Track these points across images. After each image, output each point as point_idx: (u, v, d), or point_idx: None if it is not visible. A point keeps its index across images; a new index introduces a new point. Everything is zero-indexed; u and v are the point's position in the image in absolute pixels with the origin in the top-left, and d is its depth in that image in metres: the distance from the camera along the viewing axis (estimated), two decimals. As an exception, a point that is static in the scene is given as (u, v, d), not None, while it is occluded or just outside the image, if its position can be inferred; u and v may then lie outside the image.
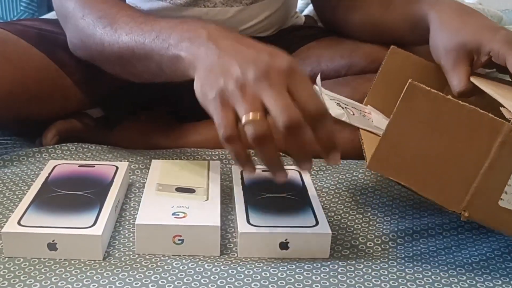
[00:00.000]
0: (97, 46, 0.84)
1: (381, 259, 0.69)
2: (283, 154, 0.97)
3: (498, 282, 0.66)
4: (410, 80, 0.62)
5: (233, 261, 0.68)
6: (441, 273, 0.67)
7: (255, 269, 0.66)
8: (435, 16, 0.88)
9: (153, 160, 0.85)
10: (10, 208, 0.78)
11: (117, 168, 0.82)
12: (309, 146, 0.62)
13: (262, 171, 0.83)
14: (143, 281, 0.64)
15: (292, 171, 0.83)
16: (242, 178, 0.81)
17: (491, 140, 0.62)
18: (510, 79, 0.83)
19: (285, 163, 0.93)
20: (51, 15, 1.45)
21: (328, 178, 0.89)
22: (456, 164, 0.63)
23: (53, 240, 0.67)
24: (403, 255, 0.70)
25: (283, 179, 0.64)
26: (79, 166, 0.83)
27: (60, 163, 0.84)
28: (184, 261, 0.67)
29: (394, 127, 0.63)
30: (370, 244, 0.72)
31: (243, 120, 0.59)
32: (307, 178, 0.81)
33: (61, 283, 0.63)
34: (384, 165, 0.65)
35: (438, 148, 0.63)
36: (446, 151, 0.63)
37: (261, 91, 0.60)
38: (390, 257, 0.70)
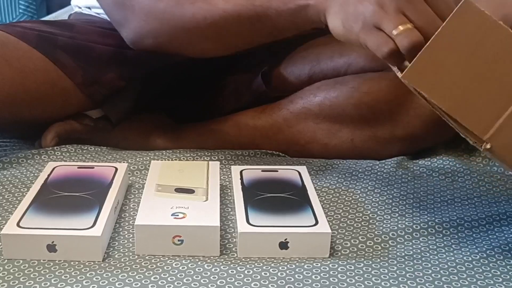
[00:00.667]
0: (187, 24, 0.82)
1: (381, 258, 0.69)
2: (282, 154, 0.98)
3: (499, 279, 0.65)
4: None
5: (233, 261, 0.68)
6: (441, 271, 0.66)
7: (255, 269, 0.66)
8: None
9: (152, 161, 0.85)
10: (9, 210, 0.78)
11: (116, 169, 0.82)
12: None
13: (262, 171, 0.83)
14: (143, 282, 0.63)
15: (291, 171, 0.83)
16: (241, 178, 0.81)
17: None
18: None
19: (285, 163, 0.93)
20: (50, 17, 1.45)
21: (327, 177, 0.89)
22: (491, 93, 0.61)
23: (53, 242, 0.67)
24: (403, 254, 0.70)
25: None
26: (78, 167, 0.83)
27: (59, 164, 0.84)
28: (183, 261, 0.67)
29: (439, 41, 0.61)
30: (370, 243, 0.72)
31: (395, 32, 0.63)
32: (307, 178, 0.81)
33: (60, 285, 0.63)
34: (419, 78, 0.63)
35: (477, 71, 0.61)
36: (484, 77, 0.61)
37: (402, 7, 0.64)
38: (390, 255, 0.70)
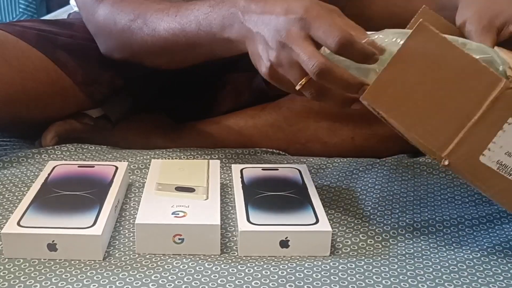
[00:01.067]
0: (140, 48, 0.89)
1: (382, 256, 0.69)
2: (283, 153, 0.98)
3: (500, 278, 0.65)
4: (420, 20, 0.63)
5: (234, 259, 0.68)
6: (442, 269, 0.66)
7: (255, 268, 0.66)
8: None
9: (152, 160, 0.85)
10: (9, 209, 0.78)
11: (116, 168, 0.82)
12: (349, 75, 0.66)
13: (262, 169, 0.83)
14: (144, 280, 0.63)
15: (292, 169, 0.83)
16: (242, 177, 0.81)
17: (486, 94, 0.62)
18: None
19: (285, 162, 0.93)
20: (50, 17, 1.45)
21: (328, 176, 0.89)
22: (447, 110, 0.63)
23: (53, 241, 0.67)
24: (404, 252, 0.70)
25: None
26: (78, 166, 0.83)
27: (59, 163, 0.84)
28: (184, 260, 0.67)
29: (397, 62, 0.63)
30: (371, 241, 0.72)
31: (298, 87, 0.68)
32: (307, 176, 0.81)
33: (61, 284, 0.63)
34: (378, 99, 0.64)
35: (434, 90, 0.63)
36: (441, 95, 0.63)
37: (291, 58, 0.67)
38: (391, 254, 0.70)
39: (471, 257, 0.69)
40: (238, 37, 0.75)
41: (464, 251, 0.70)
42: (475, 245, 0.72)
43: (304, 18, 0.67)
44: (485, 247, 0.71)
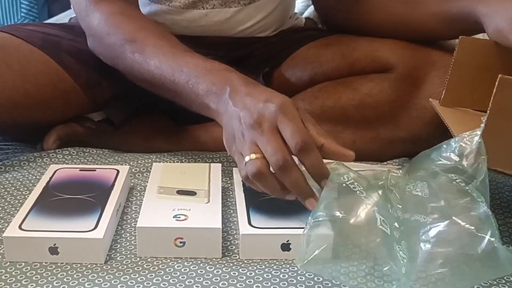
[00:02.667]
0: (126, 68, 0.89)
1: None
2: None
3: (502, 280, 0.65)
4: (500, 75, 0.65)
5: (235, 263, 0.68)
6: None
7: (257, 271, 0.66)
8: (486, 5, 0.86)
9: (154, 163, 0.85)
10: (11, 212, 0.78)
11: (118, 171, 0.82)
12: (301, 182, 0.68)
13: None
14: (145, 284, 0.63)
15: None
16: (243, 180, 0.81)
17: None
18: None
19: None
20: (52, 21, 1.45)
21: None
22: None
23: (55, 244, 0.67)
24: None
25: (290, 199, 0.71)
26: (80, 170, 0.83)
27: (61, 167, 0.84)
28: (185, 263, 0.67)
29: (492, 121, 0.66)
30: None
31: (247, 159, 0.69)
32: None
33: (62, 287, 0.63)
34: (499, 161, 0.67)
35: None
36: None
37: (255, 139, 0.69)
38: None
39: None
40: (217, 108, 0.77)
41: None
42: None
43: (278, 110, 0.69)
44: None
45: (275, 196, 0.70)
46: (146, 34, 0.88)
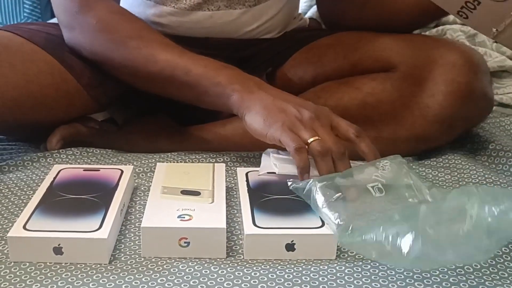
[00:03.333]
0: (127, 64, 0.91)
1: (388, 259, 0.69)
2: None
3: (507, 281, 0.65)
4: None
5: (239, 263, 0.68)
6: (449, 272, 0.66)
7: (261, 271, 0.66)
8: None
9: (158, 163, 0.85)
10: (15, 212, 0.78)
11: (122, 171, 0.82)
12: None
13: (267, 172, 0.83)
14: (150, 284, 0.63)
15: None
16: (247, 180, 0.81)
17: None
18: None
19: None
20: (54, 21, 1.45)
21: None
22: None
23: (59, 244, 0.67)
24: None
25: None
26: (84, 170, 0.83)
27: (65, 167, 0.84)
28: (190, 263, 0.67)
29: None
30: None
31: (310, 140, 0.77)
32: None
33: (67, 287, 0.63)
34: None
35: None
36: None
37: (315, 127, 0.79)
38: (397, 257, 0.69)
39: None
40: (240, 97, 0.84)
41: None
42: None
43: (331, 111, 0.83)
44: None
45: (323, 174, 0.76)
46: (150, 32, 0.91)
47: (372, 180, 0.75)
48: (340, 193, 0.72)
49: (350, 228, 0.68)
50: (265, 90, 0.84)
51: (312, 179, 0.74)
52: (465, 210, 0.64)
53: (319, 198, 0.72)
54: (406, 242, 0.61)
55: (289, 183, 0.76)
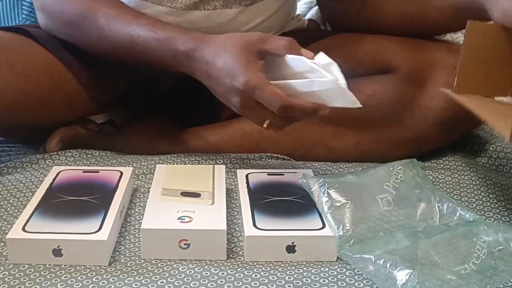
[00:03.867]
0: (89, 41, 0.92)
1: (389, 261, 0.68)
2: (288, 158, 0.97)
3: (508, 283, 0.65)
4: (469, 21, 0.66)
5: (240, 265, 0.68)
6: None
7: (262, 273, 0.66)
8: None
9: (157, 165, 0.85)
10: (14, 214, 0.77)
11: (121, 173, 0.82)
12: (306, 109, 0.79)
13: (267, 174, 0.83)
14: (150, 286, 0.63)
15: (297, 175, 0.82)
16: (247, 182, 0.81)
17: None
18: None
19: (290, 167, 0.93)
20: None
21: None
22: None
23: (58, 246, 0.66)
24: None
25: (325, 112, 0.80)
26: (83, 172, 0.83)
27: (64, 169, 0.83)
28: (190, 265, 0.67)
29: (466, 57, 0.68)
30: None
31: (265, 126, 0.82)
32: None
33: (66, 289, 0.63)
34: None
35: None
36: None
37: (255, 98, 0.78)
38: (398, 259, 0.69)
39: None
40: (188, 70, 0.85)
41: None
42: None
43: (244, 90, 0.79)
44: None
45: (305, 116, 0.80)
46: (99, 5, 0.91)
47: (383, 191, 0.75)
48: (347, 202, 0.71)
49: (351, 241, 0.68)
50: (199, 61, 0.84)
51: (322, 178, 0.73)
52: (473, 247, 0.64)
53: (326, 202, 0.72)
54: (402, 275, 0.61)
55: (299, 177, 0.75)
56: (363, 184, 0.75)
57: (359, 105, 0.80)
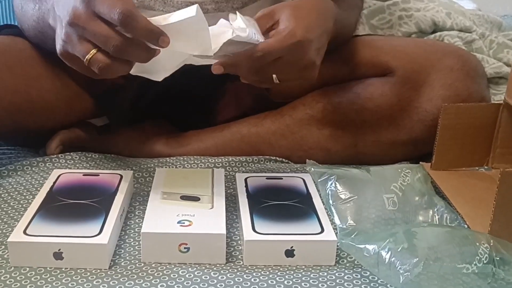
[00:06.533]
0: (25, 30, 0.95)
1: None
2: (286, 160, 0.98)
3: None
4: (501, 170, 0.68)
5: (239, 269, 0.68)
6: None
7: (261, 277, 0.66)
8: None
9: (157, 169, 0.85)
10: (15, 217, 0.78)
11: (121, 176, 0.82)
12: (141, 46, 0.70)
13: (266, 178, 0.83)
14: (150, 289, 0.64)
15: (296, 179, 0.83)
16: (246, 186, 0.81)
17: None
18: None
19: (288, 170, 0.93)
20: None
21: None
22: None
23: (59, 249, 0.67)
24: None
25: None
26: (83, 175, 0.83)
27: (64, 172, 0.84)
28: (190, 269, 0.67)
29: (499, 213, 0.69)
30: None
31: (86, 63, 0.70)
32: (311, 186, 0.81)
33: (67, 293, 0.63)
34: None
35: None
36: None
37: (82, 34, 0.69)
38: (395, 263, 0.70)
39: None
40: (53, 24, 0.77)
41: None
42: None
43: None
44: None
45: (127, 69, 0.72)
46: None
47: (390, 191, 0.75)
48: (354, 196, 0.72)
49: (353, 235, 0.68)
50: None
51: (332, 169, 0.73)
52: (475, 250, 0.64)
53: (333, 194, 0.72)
54: (406, 263, 0.62)
55: (308, 163, 0.74)
56: (371, 181, 0.76)
57: (211, 53, 0.74)
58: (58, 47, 0.73)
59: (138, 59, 0.71)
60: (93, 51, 0.69)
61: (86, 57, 0.69)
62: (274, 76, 0.77)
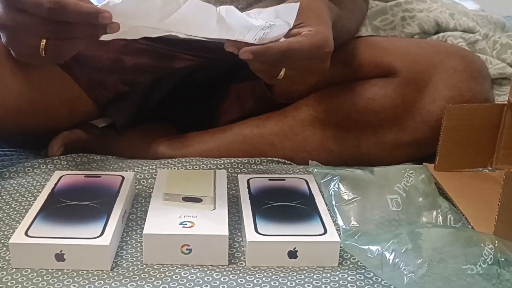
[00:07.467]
0: None
1: (390, 267, 0.69)
2: (288, 162, 0.97)
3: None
4: (506, 170, 0.68)
5: (242, 270, 0.68)
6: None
7: (263, 278, 0.66)
8: None
9: (159, 170, 0.85)
10: (17, 219, 0.78)
11: (123, 178, 0.82)
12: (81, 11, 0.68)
13: (269, 179, 0.83)
14: (152, 291, 0.63)
15: (298, 180, 0.83)
16: (248, 187, 0.81)
17: None
18: None
19: (291, 171, 0.93)
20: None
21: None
22: None
23: (61, 251, 0.67)
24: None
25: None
26: (85, 176, 0.83)
27: (66, 173, 0.84)
28: (192, 270, 0.67)
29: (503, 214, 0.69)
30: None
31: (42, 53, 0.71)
32: (314, 187, 0.81)
33: (69, 294, 0.63)
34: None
35: None
36: None
37: (18, 33, 0.71)
38: (399, 264, 0.69)
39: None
40: None
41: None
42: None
43: None
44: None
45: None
46: None
47: (393, 191, 0.75)
48: (357, 197, 0.72)
49: (356, 236, 0.68)
50: None
51: (335, 170, 0.73)
52: (480, 251, 0.64)
53: (336, 195, 0.72)
54: (410, 264, 0.61)
55: (311, 164, 0.74)
56: (375, 182, 0.76)
57: (158, 26, 0.72)
58: (13, 53, 0.75)
59: (88, 37, 0.71)
60: (43, 42, 0.70)
61: (40, 50, 0.70)
62: (282, 71, 0.76)
